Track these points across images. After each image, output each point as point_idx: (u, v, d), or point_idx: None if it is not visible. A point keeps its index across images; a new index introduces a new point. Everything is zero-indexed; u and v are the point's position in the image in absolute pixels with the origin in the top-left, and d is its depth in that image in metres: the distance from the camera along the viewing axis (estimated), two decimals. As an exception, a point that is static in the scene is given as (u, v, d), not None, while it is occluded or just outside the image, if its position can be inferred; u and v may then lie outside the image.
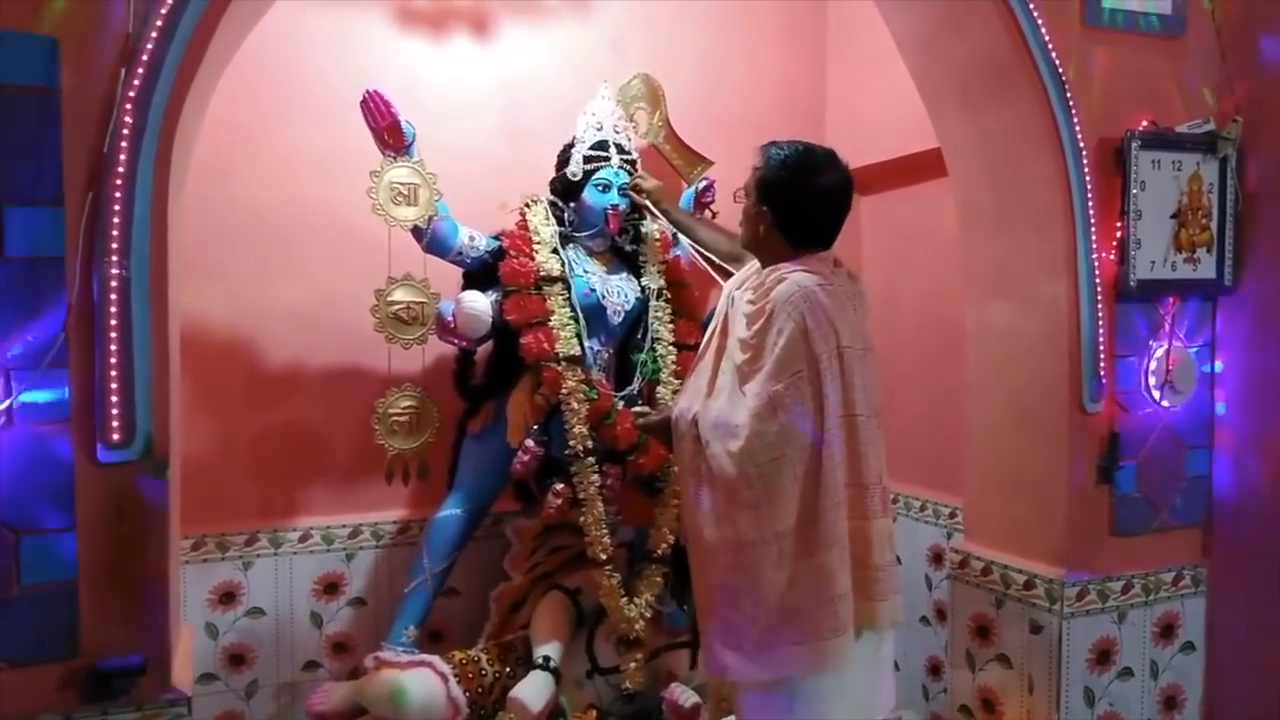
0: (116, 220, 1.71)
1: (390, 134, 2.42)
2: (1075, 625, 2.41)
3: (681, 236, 2.74)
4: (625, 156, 2.77)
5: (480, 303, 2.57)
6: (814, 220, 1.93)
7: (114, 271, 1.71)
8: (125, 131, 1.72)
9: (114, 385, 1.72)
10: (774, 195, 1.92)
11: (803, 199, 1.92)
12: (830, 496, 1.77)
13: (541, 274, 2.62)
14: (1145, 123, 2.47)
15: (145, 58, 1.73)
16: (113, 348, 1.72)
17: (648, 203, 2.72)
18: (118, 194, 1.71)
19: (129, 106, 1.72)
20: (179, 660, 1.90)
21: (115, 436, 1.73)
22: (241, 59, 2.27)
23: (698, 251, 2.62)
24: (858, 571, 1.80)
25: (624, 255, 2.85)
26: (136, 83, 1.73)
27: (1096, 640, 2.45)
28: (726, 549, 1.80)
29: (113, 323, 1.71)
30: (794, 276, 1.84)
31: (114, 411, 1.72)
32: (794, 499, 1.76)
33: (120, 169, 1.72)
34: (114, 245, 1.71)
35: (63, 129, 1.70)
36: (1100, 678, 2.46)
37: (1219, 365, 2.60)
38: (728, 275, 2.29)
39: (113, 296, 1.72)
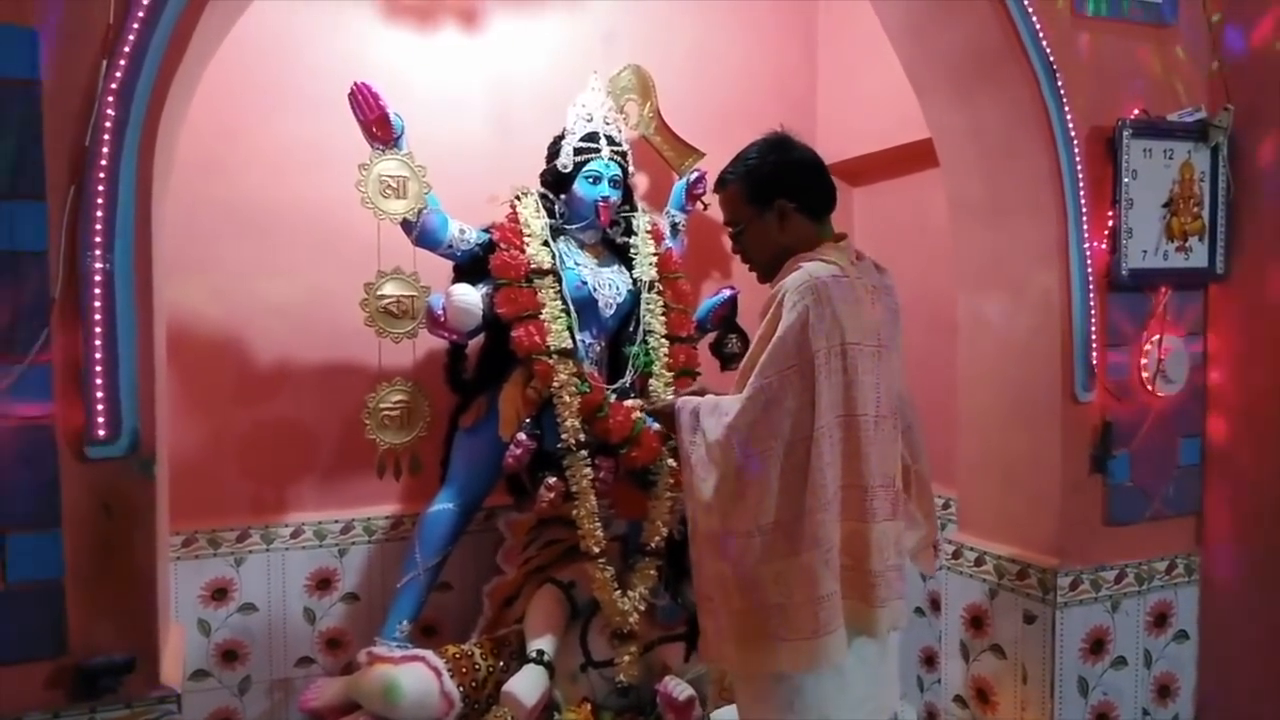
0: (100, 214, 1.69)
1: (379, 126, 2.41)
2: (1069, 615, 2.41)
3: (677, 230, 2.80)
4: (616, 148, 2.76)
5: (471, 296, 2.56)
6: (815, 184, 1.91)
7: (98, 266, 1.69)
8: (108, 124, 1.70)
9: (99, 381, 1.70)
10: (777, 185, 1.88)
11: (799, 170, 1.90)
12: (816, 496, 1.70)
13: (532, 267, 2.61)
14: (1137, 111, 2.46)
15: (127, 49, 1.71)
16: (97, 343, 1.69)
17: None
18: (100, 187, 1.69)
19: (111, 99, 1.70)
20: (169, 657, 1.88)
21: (101, 433, 1.71)
22: (227, 51, 2.25)
23: None
24: (855, 575, 1.75)
25: (615, 248, 2.83)
26: (118, 74, 1.70)
27: (1090, 630, 2.45)
28: (714, 538, 1.79)
29: (97, 318, 1.69)
30: (809, 266, 1.79)
31: (99, 408, 1.70)
32: (775, 494, 1.72)
33: (103, 162, 1.69)
34: (97, 239, 1.69)
35: (44, 122, 1.67)
36: (1094, 667, 2.46)
37: (1211, 354, 2.59)
38: None
39: (96, 291, 1.69)
